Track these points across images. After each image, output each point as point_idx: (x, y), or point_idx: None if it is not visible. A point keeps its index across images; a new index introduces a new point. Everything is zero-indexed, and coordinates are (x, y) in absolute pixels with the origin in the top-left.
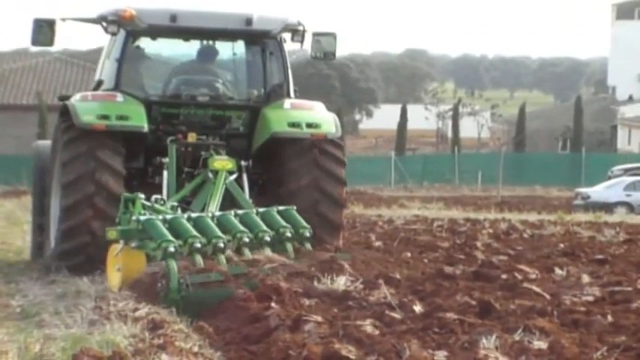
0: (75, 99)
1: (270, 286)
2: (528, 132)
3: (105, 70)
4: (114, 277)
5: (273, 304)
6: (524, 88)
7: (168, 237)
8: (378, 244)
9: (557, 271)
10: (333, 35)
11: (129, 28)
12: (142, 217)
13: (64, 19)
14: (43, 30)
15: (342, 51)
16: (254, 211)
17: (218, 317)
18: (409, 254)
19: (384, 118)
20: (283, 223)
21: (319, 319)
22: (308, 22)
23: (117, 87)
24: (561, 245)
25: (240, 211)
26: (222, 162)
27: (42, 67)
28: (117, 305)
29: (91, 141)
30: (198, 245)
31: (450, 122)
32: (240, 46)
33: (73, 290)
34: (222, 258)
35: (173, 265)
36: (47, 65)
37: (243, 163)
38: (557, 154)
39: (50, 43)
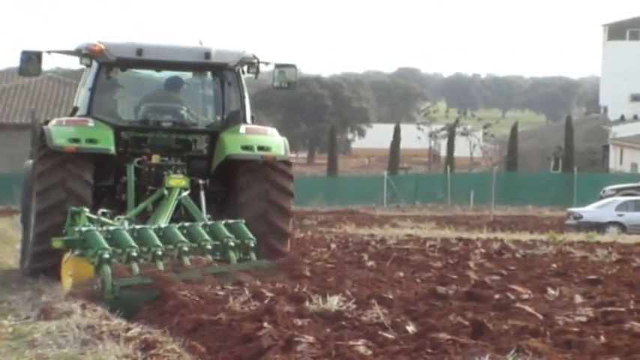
0: (52, 124)
1: (263, 306)
2: (520, 152)
3: (80, 97)
4: (67, 281)
5: (265, 324)
6: (517, 108)
7: (104, 245)
8: (370, 263)
9: (550, 291)
10: (294, 66)
11: (100, 61)
12: (83, 229)
13: (49, 52)
14: (31, 61)
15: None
16: (202, 223)
17: (210, 337)
18: (402, 274)
19: (376, 137)
20: (227, 233)
21: (312, 339)
22: (300, 40)
23: (89, 113)
24: (554, 265)
25: (187, 224)
26: (176, 180)
27: (35, 86)
28: (109, 325)
29: (62, 158)
30: (135, 254)
31: (442, 142)
32: (201, 77)
33: (65, 310)
34: (160, 264)
35: (107, 270)
36: (40, 84)
37: (201, 181)
38: (549, 174)
39: (37, 73)
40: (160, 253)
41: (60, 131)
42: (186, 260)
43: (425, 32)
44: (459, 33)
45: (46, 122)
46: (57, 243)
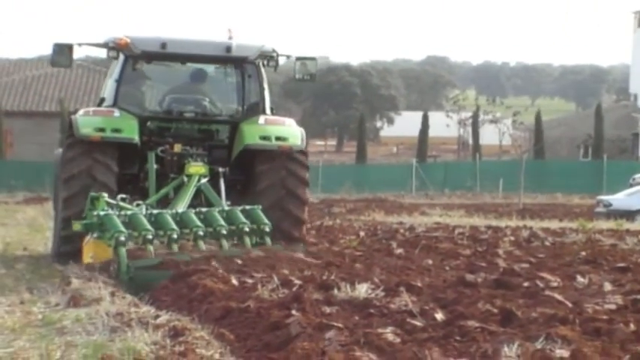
0: (79, 114)
1: (292, 294)
2: (550, 139)
3: (107, 89)
4: (88, 262)
5: (294, 312)
6: (546, 96)
7: (120, 228)
8: (399, 251)
9: (579, 278)
10: (314, 59)
11: (126, 54)
12: (102, 213)
13: (80, 44)
14: (63, 53)
15: (363, 58)
16: (219, 209)
17: (239, 324)
18: (430, 262)
19: (405, 125)
20: (243, 219)
21: (340, 326)
22: (330, 29)
23: (115, 104)
24: (583, 253)
25: (204, 209)
26: (196, 167)
27: (64, 75)
28: (138, 312)
29: (88, 146)
30: (150, 237)
31: (471, 130)
32: (222, 70)
33: (94, 297)
34: (175, 246)
35: (123, 251)
36: (69, 72)
37: (221, 169)
38: (579, 162)
39: (69, 64)
40: (175, 236)
41: (87, 121)
42: (201, 244)
43: (454, 20)
44: (487, 21)
45: (75, 111)
46: (77, 226)
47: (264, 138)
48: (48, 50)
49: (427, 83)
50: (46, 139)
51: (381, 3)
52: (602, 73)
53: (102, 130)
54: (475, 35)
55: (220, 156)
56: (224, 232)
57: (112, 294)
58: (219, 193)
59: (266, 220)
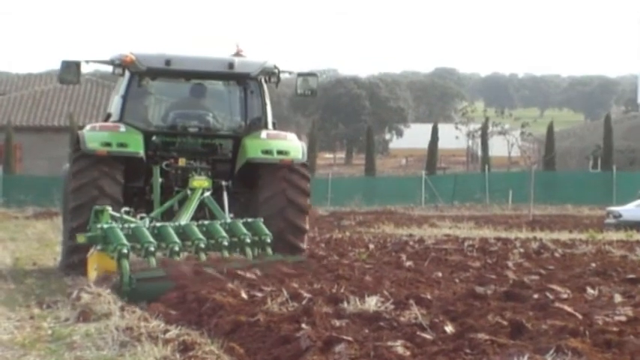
0: (86, 129)
1: (302, 307)
2: (559, 151)
3: (113, 104)
4: (92, 274)
5: (303, 325)
6: (555, 107)
7: (123, 241)
8: (408, 263)
9: (589, 290)
10: (315, 75)
11: (132, 70)
12: (105, 225)
13: (87, 61)
14: (71, 70)
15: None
16: (221, 221)
17: (249, 338)
18: (440, 274)
19: (414, 137)
20: (244, 231)
21: (350, 340)
22: (338, 42)
23: (121, 119)
24: (593, 264)
25: (206, 222)
26: (199, 181)
27: (73, 89)
28: (147, 327)
29: (95, 159)
30: (152, 249)
31: (480, 141)
32: (225, 86)
33: (104, 312)
34: (177, 258)
35: (125, 263)
36: (78, 87)
37: (224, 183)
38: (588, 173)
39: (76, 81)
40: (177, 248)
41: (93, 136)
42: (202, 256)
43: (462, 32)
44: (495, 32)
45: (83, 127)
46: (81, 238)
47: (266, 152)
48: (56, 65)
49: (435, 95)
50: (56, 153)
51: (388, 16)
52: (610, 84)
53: (108, 144)
54: (483, 47)
55: (224, 169)
56: (225, 243)
57: (122, 309)
58: (222, 205)
59: (267, 231)
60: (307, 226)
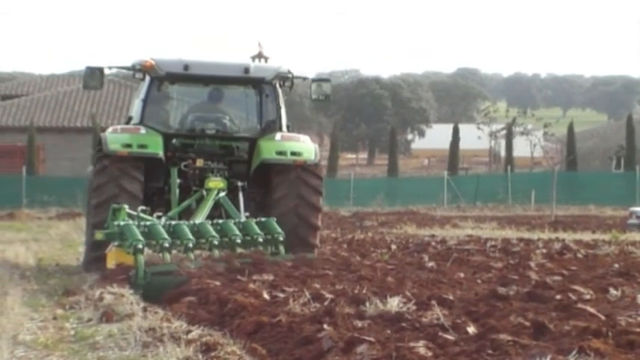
0: (108, 131)
1: (323, 308)
2: (581, 151)
3: (134, 108)
4: (110, 268)
5: (325, 326)
6: (577, 107)
7: (138, 237)
8: (430, 264)
9: (612, 291)
10: (329, 80)
11: (152, 75)
12: (122, 223)
13: (110, 67)
14: (94, 75)
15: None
16: (235, 220)
17: (271, 339)
18: (462, 275)
19: (436, 137)
20: (257, 230)
21: (372, 340)
22: (360, 42)
23: (142, 122)
24: (616, 265)
25: (221, 221)
26: (215, 182)
27: (95, 90)
28: (170, 327)
29: (116, 159)
30: (167, 245)
31: (502, 142)
32: (241, 90)
33: (127, 312)
34: (191, 254)
35: (140, 258)
36: (105, 81)
37: (240, 183)
38: (611, 173)
39: (100, 86)
40: (190, 245)
41: (115, 138)
42: (216, 252)
43: (484, 32)
44: (518, 32)
45: (105, 128)
46: (99, 235)
47: (280, 153)
48: (79, 66)
49: (458, 95)
50: (78, 154)
51: (411, 16)
52: (634, 84)
53: (129, 145)
54: (506, 47)
55: (240, 170)
56: (238, 241)
57: (144, 309)
58: (238, 205)
59: (280, 230)
60: (320, 223)
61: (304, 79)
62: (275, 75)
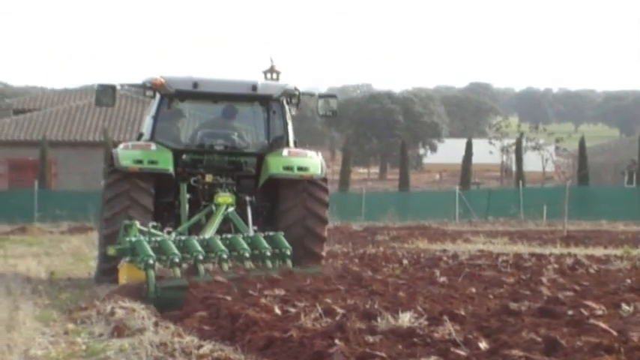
0: (119, 147)
1: (334, 323)
2: (594, 166)
3: (145, 124)
4: (122, 284)
5: (337, 341)
6: (589, 122)
7: (149, 252)
8: (442, 279)
9: (624, 307)
10: (335, 97)
11: (162, 93)
12: (133, 239)
13: (121, 85)
14: (106, 93)
15: (405, 85)
16: (243, 235)
17: (282, 354)
18: (474, 290)
19: (448, 152)
20: (265, 244)
21: (384, 356)
22: (372, 56)
23: (152, 138)
24: (628, 281)
25: (229, 235)
26: (223, 197)
27: (108, 107)
28: (181, 342)
29: (127, 174)
30: (177, 260)
31: (514, 156)
32: (249, 106)
33: (138, 327)
34: (202, 268)
35: (151, 273)
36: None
37: (248, 198)
38: (623, 188)
39: (112, 104)
40: (200, 257)
41: (126, 154)
42: (225, 266)
43: (496, 47)
44: (530, 47)
45: (117, 142)
46: (111, 250)
47: (287, 168)
48: (91, 81)
49: (470, 110)
50: (90, 168)
51: (422, 30)
52: None
53: (140, 161)
54: (518, 62)
55: (248, 185)
56: (247, 255)
57: (156, 324)
58: (246, 219)
59: (287, 244)
60: (326, 235)
61: (311, 95)
62: (282, 92)
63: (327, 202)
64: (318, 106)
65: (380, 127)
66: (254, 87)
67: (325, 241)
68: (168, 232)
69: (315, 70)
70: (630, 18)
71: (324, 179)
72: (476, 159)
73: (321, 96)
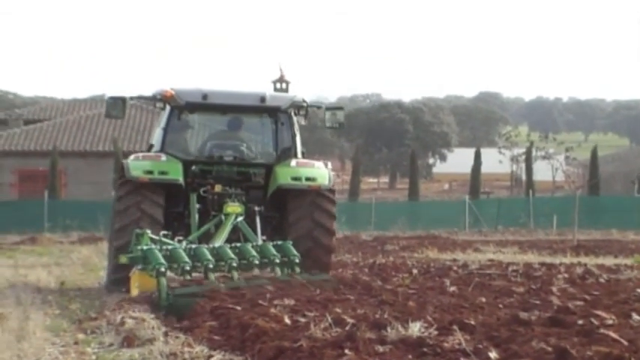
0: (130, 159)
1: (344, 333)
2: (603, 175)
3: (155, 136)
4: (134, 292)
5: (347, 351)
6: (599, 131)
7: (161, 260)
8: (452, 289)
9: (635, 316)
10: (342, 108)
11: (172, 105)
12: (145, 247)
13: (131, 98)
14: (116, 105)
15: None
16: (253, 244)
17: None
18: (484, 299)
19: (457, 161)
20: (274, 252)
21: None
22: (382, 66)
23: (162, 149)
24: (638, 290)
25: (239, 244)
26: (233, 207)
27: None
28: (191, 352)
29: (138, 185)
30: (188, 268)
31: (524, 166)
32: (258, 118)
33: (148, 337)
34: (212, 276)
35: (163, 281)
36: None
37: (257, 208)
38: (633, 198)
39: (122, 116)
40: (210, 266)
41: (137, 165)
42: (235, 274)
43: (506, 56)
44: (539, 57)
45: (127, 152)
46: (123, 259)
47: (295, 179)
48: (101, 91)
49: (479, 119)
50: (100, 178)
51: (432, 40)
52: None
53: (150, 172)
54: (527, 71)
55: (256, 195)
56: (256, 262)
57: (166, 334)
58: (255, 229)
59: (295, 252)
60: (334, 245)
61: (318, 107)
62: (290, 104)
63: (334, 213)
64: (325, 118)
65: (389, 136)
66: (263, 99)
67: (334, 252)
68: (179, 241)
69: (324, 80)
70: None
71: (332, 190)
72: (485, 168)
73: (328, 108)
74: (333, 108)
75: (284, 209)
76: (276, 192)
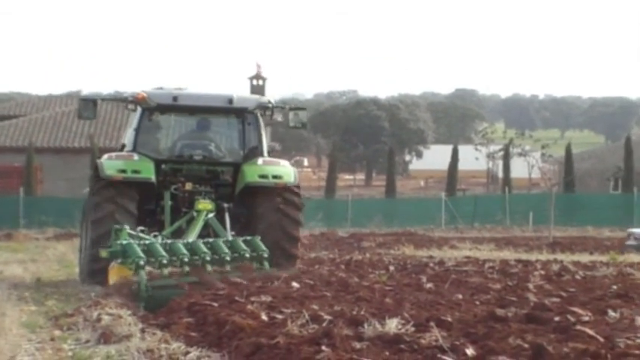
0: (104, 158)
1: (321, 329)
2: (579, 172)
3: (127, 136)
4: (112, 282)
5: (323, 348)
6: (575, 128)
7: (140, 254)
8: (429, 285)
9: (611, 313)
10: (305, 109)
11: (143, 106)
12: (124, 242)
13: (103, 99)
14: (88, 106)
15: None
16: (224, 239)
17: None
18: (460, 296)
19: (434, 158)
20: (244, 247)
21: None
22: (358, 63)
23: (134, 149)
24: (614, 287)
25: (211, 240)
26: (204, 204)
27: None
28: (168, 349)
29: (112, 182)
30: (165, 262)
31: (500, 163)
32: (226, 119)
33: (125, 333)
34: (186, 268)
35: (142, 274)
36: (98, 107)
37: (226, 205)
38: (609, 195)
39: (93, 117)
40: (186, 259)
41: (110, 164)
42: (209, 267)
43: (482, 53)
44: (516, 54)
45: (103, 148)
46: (103, 253)
47: (262, 176)
48: (77, 87)
49: (456, 116)
50: (76, 174)
51: (408, 36)
52: (631, 105)
53: (123, 171)
54: (504, 68)
55: (225, 193)
56: (227, 258)
57: (142, 330)
58: (225, 225)
59: (264, 248)
60: (300, 235)
61: (282, 108)
62: (257, 105)
63: (300, 205)
64: (289, 119)
65: (366, 133)
66: (230, 100)
67: (300, 242)
68: (155, 236)
69: (301, 77)
70: (616, 25)
71: (297, 186)
72: (462, 165)
73: (291, 108)
74: (296, 108)
75: (252, 206)
76: (244, 189)
